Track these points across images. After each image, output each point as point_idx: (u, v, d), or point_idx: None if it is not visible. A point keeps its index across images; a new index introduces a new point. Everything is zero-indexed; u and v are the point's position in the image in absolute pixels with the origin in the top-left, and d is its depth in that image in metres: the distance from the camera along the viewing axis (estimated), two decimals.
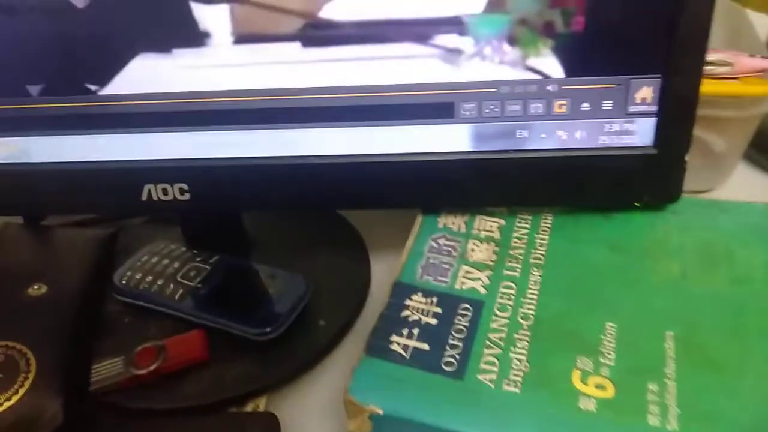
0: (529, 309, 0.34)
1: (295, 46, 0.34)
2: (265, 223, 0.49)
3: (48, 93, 0.37)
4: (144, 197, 0.39)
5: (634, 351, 0.31)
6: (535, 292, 0.35)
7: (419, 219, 0.40)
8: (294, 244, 0.48)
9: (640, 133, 0.36)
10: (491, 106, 0.36)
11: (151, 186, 0.39)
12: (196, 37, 0.35)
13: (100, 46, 0.36)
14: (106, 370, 0.38)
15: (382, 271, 0.46)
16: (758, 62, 0.47)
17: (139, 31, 0.35)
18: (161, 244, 0.47)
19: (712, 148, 0.49)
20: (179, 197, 0.39)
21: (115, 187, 0.39)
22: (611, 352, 0.31)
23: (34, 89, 0.37)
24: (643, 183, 0.37)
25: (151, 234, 0.49)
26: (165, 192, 0.39)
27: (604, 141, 0.36)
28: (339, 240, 0.48)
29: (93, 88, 0.36)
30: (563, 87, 0.35)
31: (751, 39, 0.52)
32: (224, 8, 0.34)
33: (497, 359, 0.31)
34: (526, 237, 0.38)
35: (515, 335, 0.32)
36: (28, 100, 0.37)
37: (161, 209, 0.40)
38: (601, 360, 0.31)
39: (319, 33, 0.34)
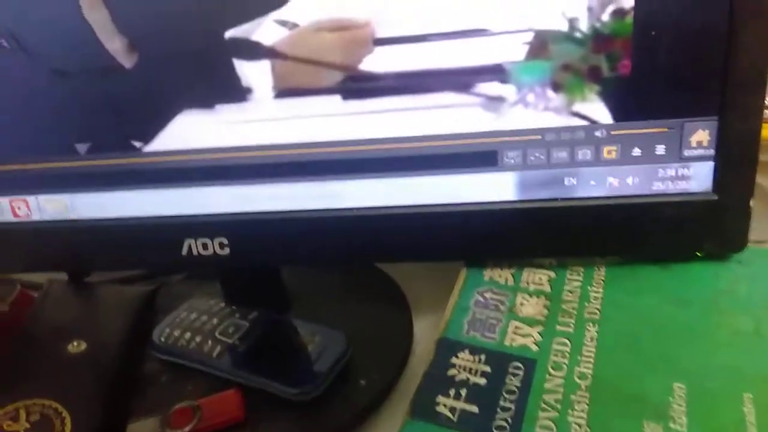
0: (586, 368, 0.31)
1: (336, 99, 0.34)
2: (304, 278, 0.48)
3: (95, 151, 0.38)
4: (184, 252, 0.39)
5: (709, 416, 0.28)
6: (592, 349, 0.32)
7: (463, 272, 0.39)
8: (334, 299, 0.47)
9: (698, 178, 0.34)
10: (536, 154, 0.34)
11: (191, 240, 0.39)
12: (238, 93, 0.35)
13: (145, 104, 0.36)
14: (142, 430, 0.37)
15: (426, 328, 0.44)
16: None
17: (183, 89, 0.36)
18: (200, 300, 0.47)
19: None
20: (219, 252, 0.39)
21: (157, 242, 0.39)
22: (682, 417, 0.28)
23: (81, 147, 0.38)
24: (703, 231, 0.35)
25: (190, 290, 0.49)
26: (205, 247, 0.39)
27: (659, 187, 0.34)
28: (380, 295, 0.47)
29: (138, 144, 0.37)
30: (612, 132, 0.33)
31: None
32: (266, 64, 0.34)
33: (554, 423, 0.28)
34: (578, 290, 0.36)
35: (572, 396, 0.30)
36: (76, 158, 0.38)
37: (201, 264, 0.39)
38: (672, 426, 0.28)
39: (359, 85, 0.34)
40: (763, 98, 0.32)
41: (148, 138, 0.37)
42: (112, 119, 0.37)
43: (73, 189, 0.39)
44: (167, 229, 0.39)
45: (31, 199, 0.40)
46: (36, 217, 0.40)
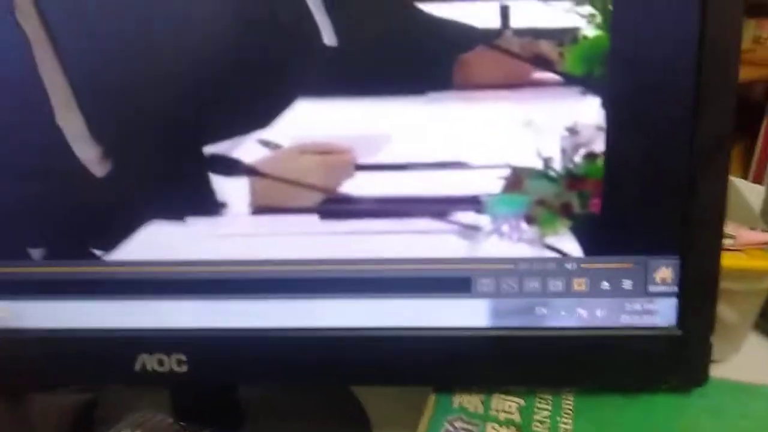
0: None
1: (314, 219, 0.34)
2: (261, 395, 0.46)
3: (50, 257, 0.36)
4: (137, 368, 0.37)
5: None
6: None
7: (432, 398, 0.37)
8: (291, 419, 0.44)
9: (663, 313, 0.35)
10: (509, 283, 0.35)
11: (145, 356, 0.36)
12: (212, 207, 0.34)
13: (111, 212, 0.35)
14: None
15: None
16: (760, 236, 0.48)
17: (153, 199, 0.35)
18: (145, 414, 0.43)
19: (723, 319, 0.48)
20: (176, 368, 0.36)
21: (108, 356, 0.37)
22: None
23: (35, 252, 0.36)
24: (668, 365, 0.36)
25: (134, 401, 0.45)
26: (161, 363, 0.36)
27: (626, 320, 0.35)
28: (341, 416, 0.45)
29: (98, 253, 0.35)
30: (582, 265, 0.34)
31: (746, 210, 0.54)
32: (244, 181, 0.34)
33: None
34: (548, 420, 0.36)
35: None
36: (28, 263, 0.36)
37: (154, 381, 0.37)
38: None
39: (338, 207, 0.34)
40: (721, 238, 0.34)
41: (110, 246, 0.35)
42: (72, 225, 0.35)
43: (20, 296, 0.36)
44: (120, 343, 0.36)
45: None
46: None
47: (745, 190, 0.59)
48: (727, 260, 0.45)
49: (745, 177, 2.06)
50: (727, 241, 0.48)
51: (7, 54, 0.33)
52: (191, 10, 0.32)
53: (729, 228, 0.48)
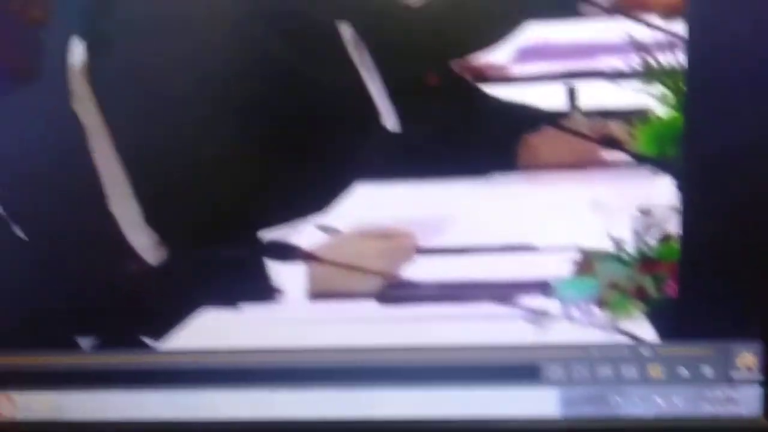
0: None
1: (372, 304, 0.33)
2: None
3: (99, 346, 0.34)
4: None
5: None
6: None
7: None
8: None
9: (746, 402, 0.33)
10: (580, 370, 0.33)
11: None
12: (267, 293, 0.33)
13: (164, 300, 0.34)
14: None
15: None
16: None
17: (207, 286, 0.34)
18: None
19: None
20: None
21: None
22: None
23: (84, 342, 0.35)
24: None
25: None
26: None
27: (707, 409, 0.33)
28: None
29: (149, 341, 0.34)
30: (658, 351, 0.32)
31: None
32: (301, 267, 0.33)
33: None
34: None
35: None
36: (75, 353, 0.34)
37: None
38: None
39: (397, 292, 0.33)
40: None
41: (161, 335, 0.34)
42: (123, 313, 0.34)
43: (67, 387, 0.35)
44: None
45: (17, 396, 0.35)
46: (19, 415, 0.36)
47: None
48: None
49: None
50: None
51: (64, 142, 0.32)
52: (249, 97, 0.32)
53: None
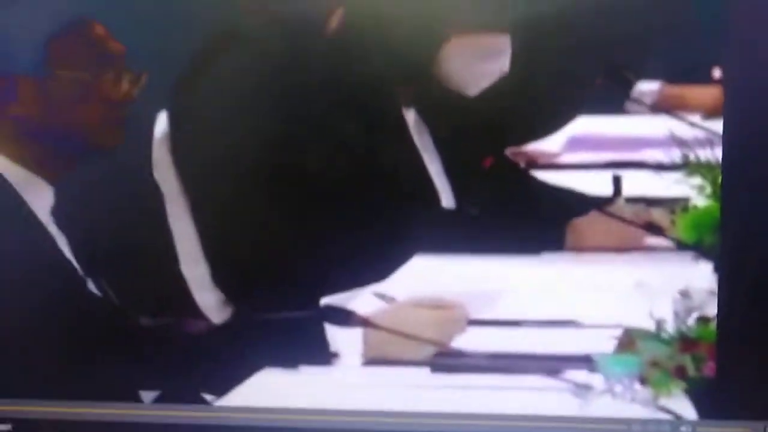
0: None
1: (425, 372, 0.35)
2: None
3: (161, 400, 0.36)
4: None
5: None
6: None
7: None
8: None
9: None
10: None
11: None
12: (325, 356, 0.35)
13: (225, 358, 0.36)
14: None
15: None
16: None
17: (268, 347, 0.35)
18: None
19: None
20: None
21: None
22: None
23: (146, 395, 0.36)
24: None
25: None
26: None
27: None
28: None
29: (210, 398, 0.36)
30: (697, 429, 0.34)
31: None
32: (358, 332, 0.35)
33: None
34: None
35: None
36: (137, 407, 0.36)
37: None
38: None
39: (449, 361, 0.34)
40: None
41: (222, 392, 0.36)
42: (186, 369, 0.36)
43: None
44: None
45: None
46: None
47: None
48: None
49: None
50: None
51: (143, 207, 0.35)
52: (320, 172, 0.34)
53: None
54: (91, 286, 0.36)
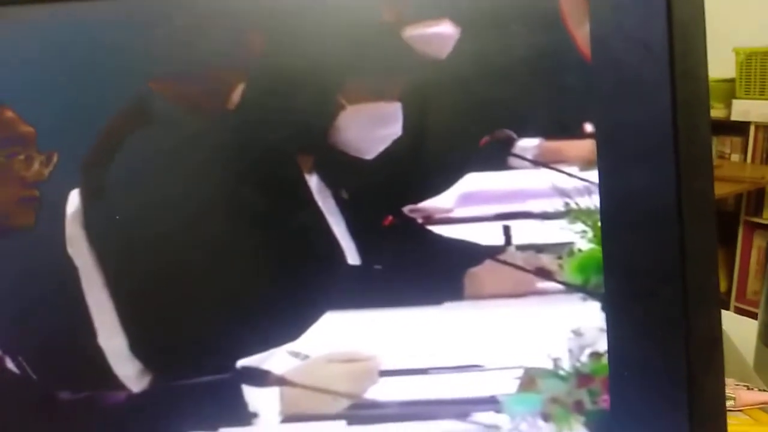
0: None
1: (341, 424, 0.36)
2: None
3: None
4: None
5: None
6: None
7: None
8: None
9: None
10: None
11: None
12: (243, 417, 0.36)
13: (145, 425, 0.36)
14: None
15: None
16: (758, 396, 0.50)
17: (187, 411, 0.36)
18: None
19: None
20: None
21: None
22: None
23: None
24: None
25: None
26: None
27: None
28: None
29: None
30: None
31: (740, 365, 0.57)
32: (275, 391, 0.36)
33: None
34: None
35: None
36: None
37: None
38: None
39: (364, 412, 0.36)
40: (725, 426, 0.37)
41: None
42: None
43: None
44: None
45: None
46: None
47: (732, 326, 0.62)
48: (734, 427, 0.47)
49: (726, 289, 2.12)
50: (727, 402, 0.50)
51: (57, 285, 0.36)
52: (229, 241, 0.36)
53: (727, 388, 0.50)
54: (11, 365, 0.37)
